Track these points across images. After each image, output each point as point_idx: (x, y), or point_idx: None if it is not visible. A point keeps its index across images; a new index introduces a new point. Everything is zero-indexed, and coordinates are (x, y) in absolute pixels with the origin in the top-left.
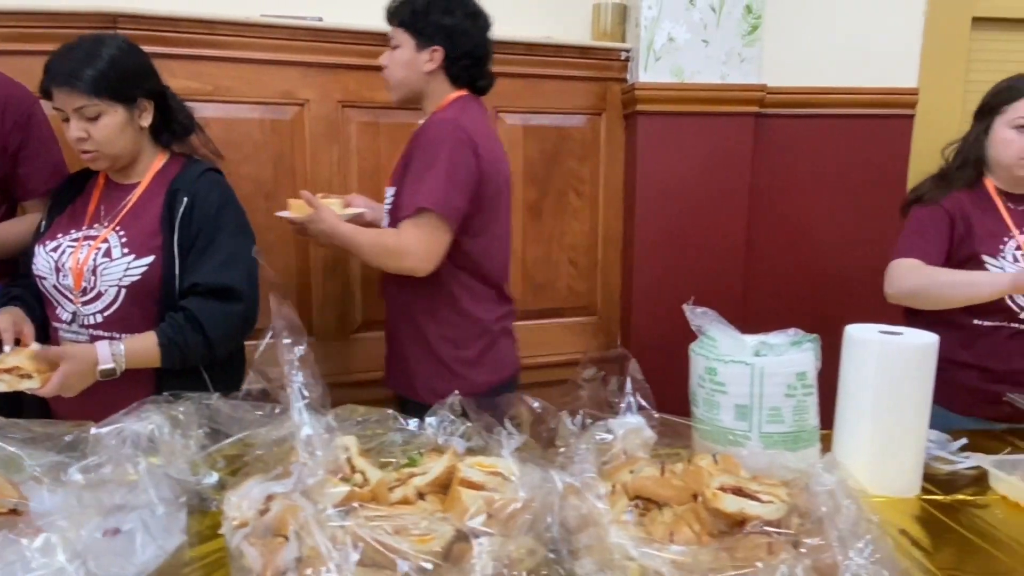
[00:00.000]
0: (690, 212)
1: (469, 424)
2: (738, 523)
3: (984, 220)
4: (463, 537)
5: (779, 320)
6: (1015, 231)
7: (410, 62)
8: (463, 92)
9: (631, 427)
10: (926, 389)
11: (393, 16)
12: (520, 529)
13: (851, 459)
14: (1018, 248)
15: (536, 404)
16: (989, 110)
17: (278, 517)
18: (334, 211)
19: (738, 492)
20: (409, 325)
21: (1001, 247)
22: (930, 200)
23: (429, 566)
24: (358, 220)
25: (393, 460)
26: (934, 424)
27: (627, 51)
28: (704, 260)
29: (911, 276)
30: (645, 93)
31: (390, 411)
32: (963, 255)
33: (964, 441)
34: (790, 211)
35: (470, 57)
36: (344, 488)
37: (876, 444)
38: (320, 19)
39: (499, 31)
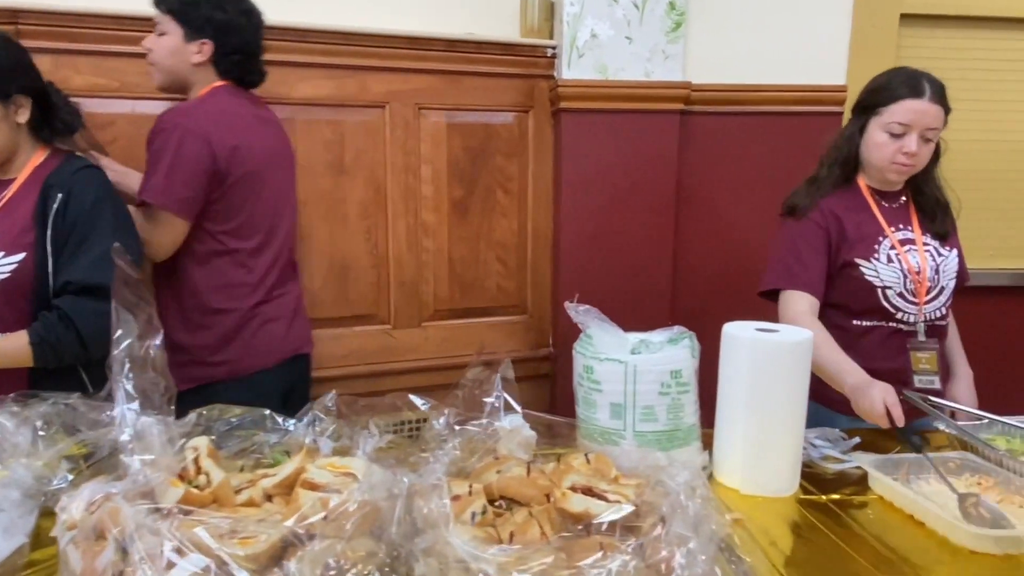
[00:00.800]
0: (617, 210)
1: (339, 423)
2: (587, 523)
3: (857, 222)
4: (294, 539)
5: (708, 317)
6: (888, 231)
7: (177, 51)
8: (225, 83)
9: (511, 427)
10: (801, 387)
11: (161, 2)
12: (358, 531)
13: (727, 458)
14: (892, 248)
15: (422, 403)
16: (865, 108)
17: (101, 520)
18: None
19: (588, 492)
20: (166, 310)
21: (876, 247)
22: (803, 212)
23: (243, 571)
24: None
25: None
26: (833, 426)
27: (553, 48)
28: (632, 258)
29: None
30: (568, 90)
31: (267, 411)
32: (839, 263)
33: (857, 440)
34: (718, 209)
35: (241, 53)
36: (179, 490)
37: (750, 443)
38: None
39: (419, 27)
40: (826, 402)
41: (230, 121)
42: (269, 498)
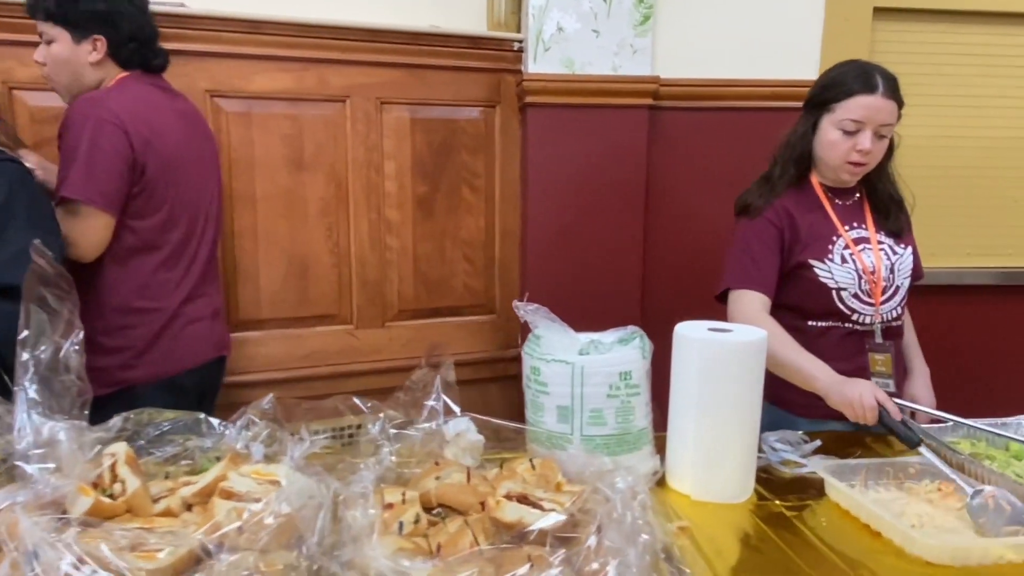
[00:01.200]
0: (585, 207)
1: (273, 427)
2: (520, 533)
3: (811, 222)
4: (203, 552)
5: (679, 315)
6: (842, 230)
7: (71, 56)
8: (131, 72)
9: (455, 431)
10: (754, 389)
11: (36, 10)
12: (275, 542)
13: (678, 463)
14: (846, 247)
15: (369, 406)
16: (816, 105)
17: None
18: None
19: (523, 500)
20: (84, 312)
21: (829, 248)
22: (756, 212)
23: None
24: None
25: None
26: (793, 429)
27: (520, 41)
28: (602, 256)
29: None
30: (534, 84)
31: (201, 415)
32: (792, 264)
33: (817, 443)
34: (688, 205)
35: (136, 40)
36: (89, 499)
37: (701, 448)
38: (182, 4)
39: (383, 19)
40: (786, 405)
41: (143, 109)
42: (189, 507)
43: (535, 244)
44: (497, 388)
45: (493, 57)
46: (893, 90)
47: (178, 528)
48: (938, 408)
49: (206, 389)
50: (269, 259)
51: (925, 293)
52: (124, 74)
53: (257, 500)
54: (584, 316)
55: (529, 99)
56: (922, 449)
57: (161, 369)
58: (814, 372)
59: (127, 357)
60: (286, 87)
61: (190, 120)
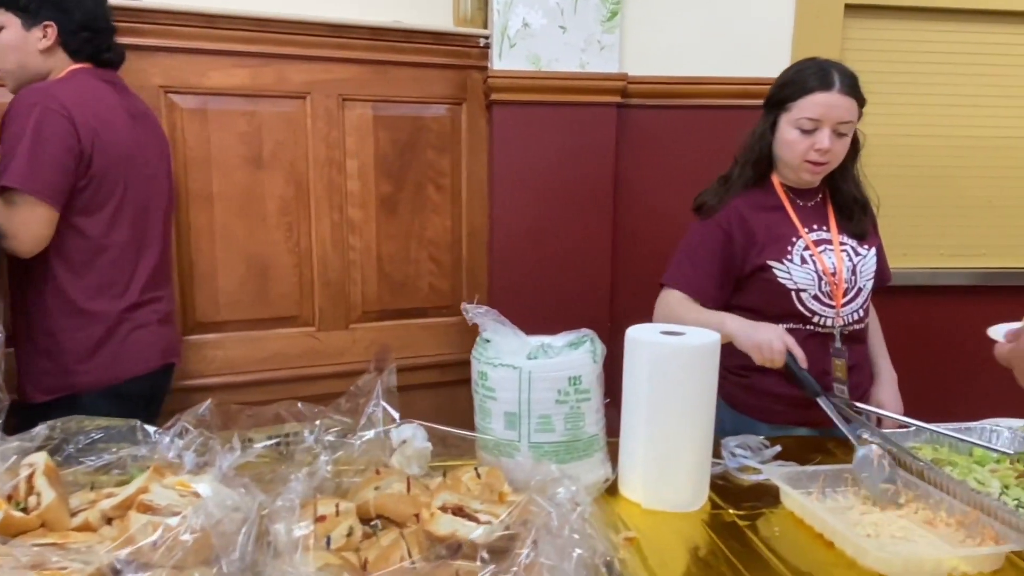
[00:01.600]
0: (553, 206)
1: (206, 435)
2: (454, 547)
3: (769, 223)
4: (109, 571)
5: (648, 315)
6: (802, 231)
7: (21, 43)
8: (84, 65)
9: (399, 439)
10: (707, 394)
11: None
12: (193, 559)
13: (630, 471)
14: (806, 248)
15: (317, 411)
16: (775, 104)
17: None
18: None
19: (458, 512)
20: (20, 313)
21: (789, 248)
22: (709, 212)
23: None
24: None
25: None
26: (755, 434)
27: (487, 37)
28: (570, 255)
29: (660, 316)
30: (500, 81)
31: (136, 422)
32: (749, 267)
33: (778, 449)
34: (658, 204)
35: (88, 29)
36: None
37: (652, 455)
38: None
39: (345, 14)
40: (746, 409)
41: (92, 103)
42: (110, 521)
43: (502, 244)
44: (465, 391)
45: (459, 53)
46: (851, 87)
47: (94, 543)
48: (910, 411)
49: (153, 397)
50: (227, 259)
51: (898, 294)
52: (75, 66)
53: (177, 514)
54: (553, 316)
55: (495, 96)
56: (820, 400)
57: (105, 376)
58: (723, 319)
59: (69, 362)
60: (243, 83)
61: (141, 119)
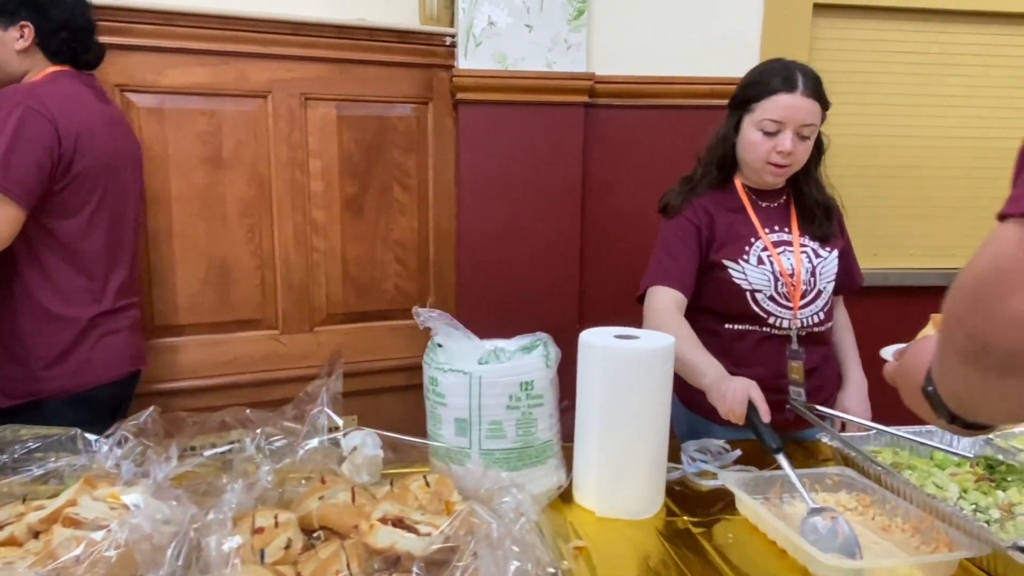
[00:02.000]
0: (520, 207)
1: (144, 444)
2: (393, 559)
3: (730, 223)
4: None
5: (618, 316)
6: (762, 232)
7: None
8: (63, 68)
9: (349, 446)
10: (661, 399)
11: None
12: (118, 574)
13: (584, 478)
14: (764, 249)
15: (269, 416)
16: (738, 104)
17: None
18: None
19: (398, 523)
20: None
21: (746, 249)
22: (674, 212)
23: None
24: None
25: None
26: (713, 437)
27: (453, 36)
28: (539, 256)
29: (652, 321)
30: (466, 81)
31: (75, 430)
32: (707, 263)
33: (738, 453)
34: (626, 204)
35: (67, 29)
36: None
37: (605, 461)
38: None
39: (308, 11)
40: (704, 412)
41: (75, 107)
42: (37, 535)
43: (470, 245)
44: None
45: (424, 52)
46: (815, 89)
47: (16, 559)
48: (880, 414)
49: (119, 404)
50: (186, 262)
51: (869, 294)
52: (54, 68)
53: (104, 527)
54: (521, 317)
55: (461, 96)
56: (779, 457)
57: (73, 382)
58: (704, 368)
59: (37, 368)
60: (202, 81)
61: (120, 127)
